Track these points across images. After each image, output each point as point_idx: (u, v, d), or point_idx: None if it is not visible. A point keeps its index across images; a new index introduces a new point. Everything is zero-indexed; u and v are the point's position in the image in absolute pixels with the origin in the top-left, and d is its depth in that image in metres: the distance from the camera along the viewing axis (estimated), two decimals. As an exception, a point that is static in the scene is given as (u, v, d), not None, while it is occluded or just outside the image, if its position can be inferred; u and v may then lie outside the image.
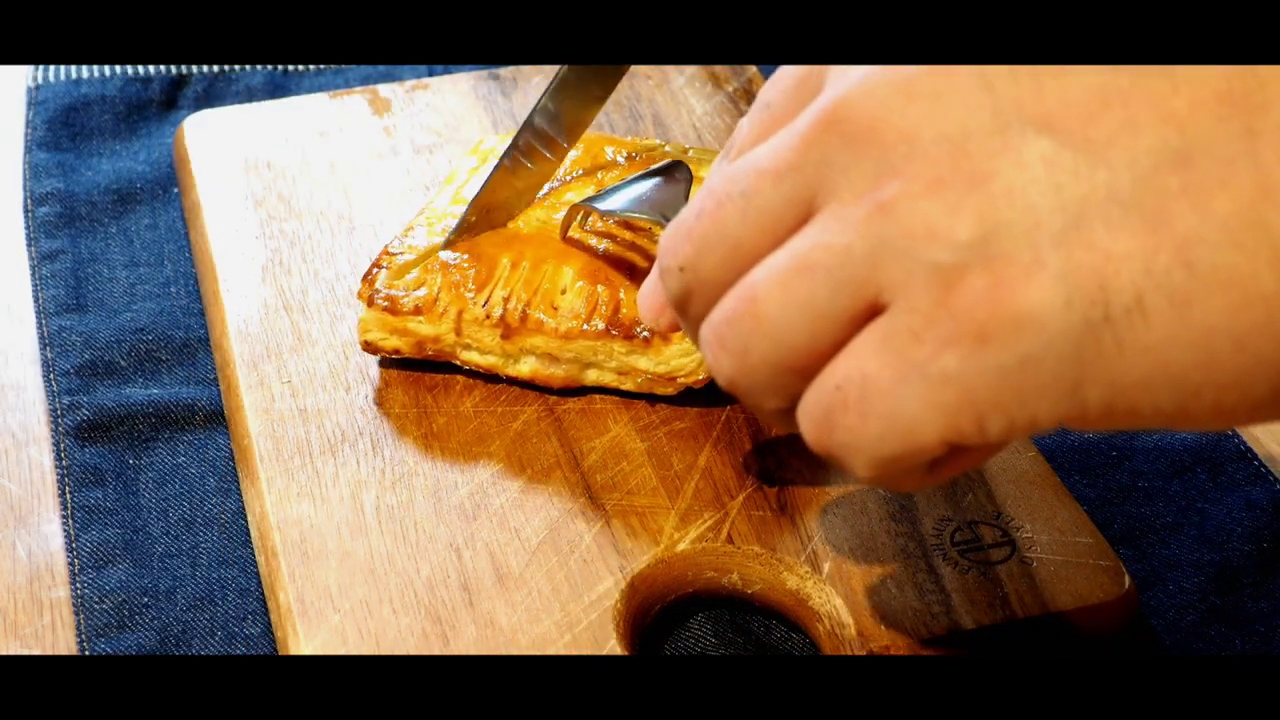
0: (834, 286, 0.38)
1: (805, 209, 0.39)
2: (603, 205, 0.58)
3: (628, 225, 0.60)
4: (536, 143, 0.62)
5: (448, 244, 0.60)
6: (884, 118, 0.38)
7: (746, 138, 0.43)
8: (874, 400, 0.38)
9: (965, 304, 0.36)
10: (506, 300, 0.58)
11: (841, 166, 0.38)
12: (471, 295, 0.58)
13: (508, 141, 0.64)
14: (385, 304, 0.58)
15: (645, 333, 0.57)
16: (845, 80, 0.39)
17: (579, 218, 0.61)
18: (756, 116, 0.43)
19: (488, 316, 0.58)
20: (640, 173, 0.59)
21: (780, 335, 0.39)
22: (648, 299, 0.48)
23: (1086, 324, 0.36)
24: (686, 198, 0.56)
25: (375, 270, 0.60)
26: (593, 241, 0.60)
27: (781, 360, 0.40)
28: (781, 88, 0.42)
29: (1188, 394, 0.36)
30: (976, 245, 0.36)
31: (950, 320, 0.37)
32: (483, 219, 0.61)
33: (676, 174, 0.58)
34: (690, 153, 0.66)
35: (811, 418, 0.40)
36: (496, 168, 0.62)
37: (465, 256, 0.60)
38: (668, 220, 0.55)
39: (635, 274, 0.59)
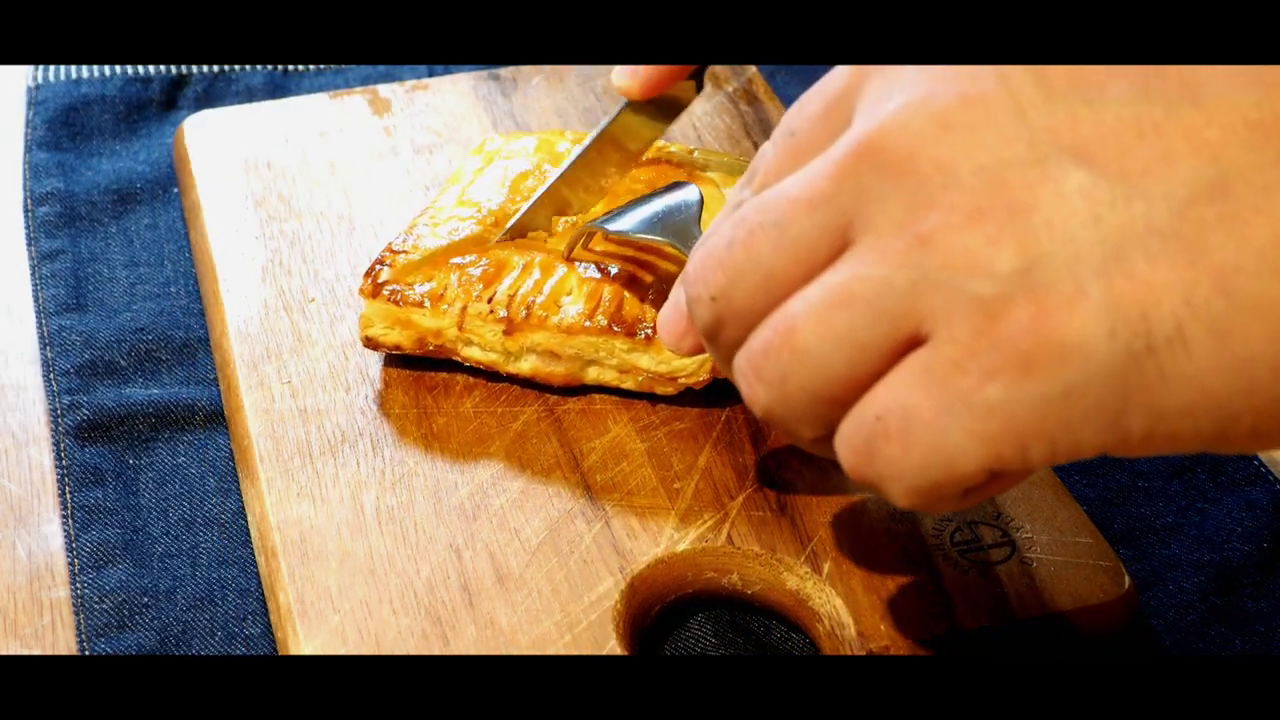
0: (873, 318, 0.38)
1: (840, 239, 0.39)
2: (613, 226, 0.58)
3: (635, 244, 0.60)
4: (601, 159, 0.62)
5: (499, 241, 0.60)
6: (920, 148, 0.38)
7: (772, 166, 0.43)
8: (917, 431, 0.38)
9: (1009, 334, 0.37)
10: (512, 297, 0.58)
11: (878, 197, 0.38)
12: (478, 291, 0.58)
13: (524, 141, 0.64)
14: (391, 295, 0.58)
15: (647, 331, 0.57)
16: (879, 110, 0.39)
17: (584, 238, 0.60)
18: (782, 144, 0.43)
19: (491, 311, 0.58)
20: (649, 193, 0.59)
21: (818, 366, 0.39)
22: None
23: (1130, 354, 0.36)
24: (699, 218, 0.56)
25: (379, 267, 0.60)
26: (596, 260, 0.60)
27: (819, 391, 0.40)
28: (807, 115, 0.42)
29: (1228, 420, 0.36)
30: (1018, 276, 0.36)
31: (994, 351, 0.37)
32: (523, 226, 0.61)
33: (686, 193, 0.57)
34: (695, 154, 0.66)
35: (851, 446, 0.40)
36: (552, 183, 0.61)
37: (475, 256, 0.60)
38: (680, 241, 0.55)
39: (637, 280, 0.59)
